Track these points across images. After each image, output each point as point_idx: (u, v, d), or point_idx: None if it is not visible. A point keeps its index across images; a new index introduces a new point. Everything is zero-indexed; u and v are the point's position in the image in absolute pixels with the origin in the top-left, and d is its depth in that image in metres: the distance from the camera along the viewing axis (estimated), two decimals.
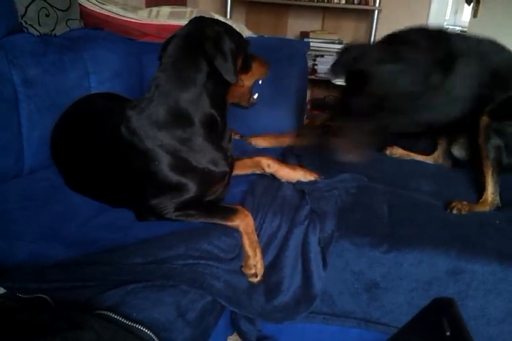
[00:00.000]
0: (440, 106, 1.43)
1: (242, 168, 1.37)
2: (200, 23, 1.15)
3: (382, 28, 3.11)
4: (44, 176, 1.33)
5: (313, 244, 1.18)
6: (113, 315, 0.78)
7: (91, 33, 1.72)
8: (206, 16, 1.23)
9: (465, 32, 2.92)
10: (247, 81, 1.25)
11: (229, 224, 1.10)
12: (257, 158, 1.38)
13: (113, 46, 1.72)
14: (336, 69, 1.45)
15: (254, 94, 1.34)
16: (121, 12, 1.92)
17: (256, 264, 1.11)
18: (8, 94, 1.31)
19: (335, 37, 3.21)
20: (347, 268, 1.19)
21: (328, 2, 3.10)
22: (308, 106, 3.40)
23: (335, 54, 1.63)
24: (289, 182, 1.36)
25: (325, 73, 3.14)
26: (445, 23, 3.52)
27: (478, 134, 1.40)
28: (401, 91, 1.34)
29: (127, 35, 1.90)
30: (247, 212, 1.13)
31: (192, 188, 1.12)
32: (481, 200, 1.37)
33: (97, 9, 1.86)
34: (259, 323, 1.20)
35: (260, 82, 1.32)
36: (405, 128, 1.52)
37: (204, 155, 1.13)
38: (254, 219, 1.16)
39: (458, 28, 3.52)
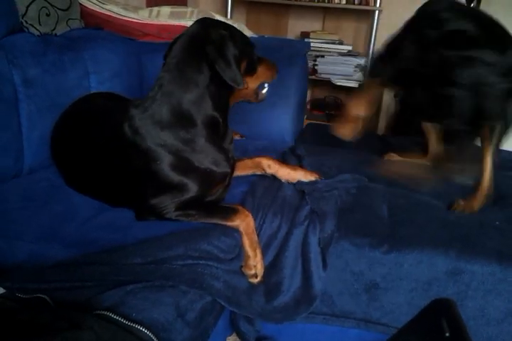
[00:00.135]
0: None
1: (243, 169, 1.37)
2: (205, 25, 1.14)
3: (382, 28, 3.10)
4: (44, 176, 1.33)
5: (313, 244, 1.18)
6: (112, 315, 0.78)
7: (91, 32, 1.72)
8: (212, 17, 1.23)
9: None
10: (251, 83, 1.24)
11: (229, 224, 1.10)
12: (258, 159, 1.38)
13: (113, 46, 1.72)
14: None
15: (263, 89, 1.32)
16: (122, 12, 1.92)
17: (256, 265, 1.11)
18: (8, 94, 1.31)
19: (335, 37, 3.20)
20: (347, 268, 1.19)
21: (328, 2, 3.09)
22: (308, 107, 3.40)
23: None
24: (289, 183, 1.37)
25: (326, 73, 3.14)
26: None
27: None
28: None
29: (128, 35, 1.90)
30: (247, 212, 1.13)
31: (193, 188, 1.12)
32: (479, 187, 1.35)
33: (97, 9, 1.86)
34: (258, 324, 1.20)
35: (266, 85, 1.30)
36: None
37: (206, 156, 1.13)
38: (255, 220, 1.16)
39: None
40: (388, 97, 3.39)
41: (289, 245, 1.19)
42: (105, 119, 1.24)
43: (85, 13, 1.80)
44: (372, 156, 1.75)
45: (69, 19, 1.64)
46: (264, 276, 1.13)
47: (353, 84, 3.14)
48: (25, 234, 1.04)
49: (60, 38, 1.57)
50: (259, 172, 1.39)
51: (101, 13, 1.86)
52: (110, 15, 1.89)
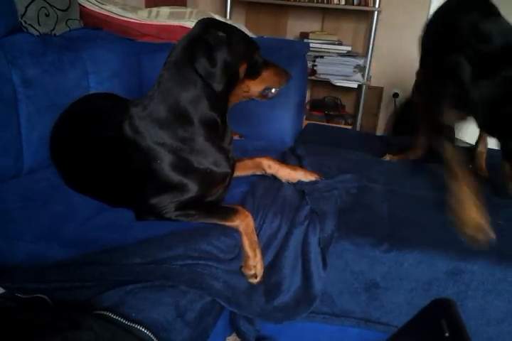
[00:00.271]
0: None
1: (243, 169, 1.37)
2: (204, 25, 1.13)
3: (381, 29, 3.11)
4: (43, 176, 1.33)
5: (313, 244, 1.18)
6: (112, 315, 0.78)
7: (90, 33, 1.72)
8: (215, 18, 1.22)
9: None
10: (254, 87, 1.21)
11: (229, 224, 1.10)
12: (258, 159, 1.38)
13: (112, 46, 1.72)
14: None
15: (271, 91, 1.27)
16: (121, 12, 1.92)
17: (256, 265, 1.11)
18: (8, 94, 1.31)
19: (334, 38, 3.20)
20: (347, 268, 1.19)
21: (327, 3, 3.10)
22: (308, 107, 3.40)
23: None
24: (289, 183, 1.37)
25: (325, 74, 3.14)
26: None
27: None
28: None
29: (127, 35, 1.90)
30: (247, 212, 1.13)
31: (193, 188, 1.12)
32: None
33: (96, 9, 1.86)
34: (258, 323, 1.20)
35: (274, 90, 1.25)
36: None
37: (205, 156, 1.13)
38: (254, 220, 1.16)
39: None
40: (388, 97, 3.40)
41: (289, 245, 1.19)
42: (104, 119, 1.24)
43: (84, 14, 1.80)
44: (372, 156, 1.75)
45: (68, 19, 1.64)
46: (263, 276, 1.13)
47: (352, 85, 3.14)
48: (25, 234, 1.04)
49: (59, 38, 1.57)
50: (259, 173, 1.39)
51: (100, 13, 1.86)
52: (109, 16, 1.89)
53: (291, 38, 3.36)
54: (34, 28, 1.46)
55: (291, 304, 1.16)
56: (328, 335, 1.30)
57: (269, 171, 1.38)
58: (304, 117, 2.80)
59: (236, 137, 1.66)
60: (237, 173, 1.33)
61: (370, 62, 3.17)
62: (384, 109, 3.45)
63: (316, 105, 3.45)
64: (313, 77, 3.15)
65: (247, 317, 1.16)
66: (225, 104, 1.18)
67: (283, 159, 1.53)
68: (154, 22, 1.96)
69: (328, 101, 3.47)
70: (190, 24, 1.93)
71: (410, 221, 1.25)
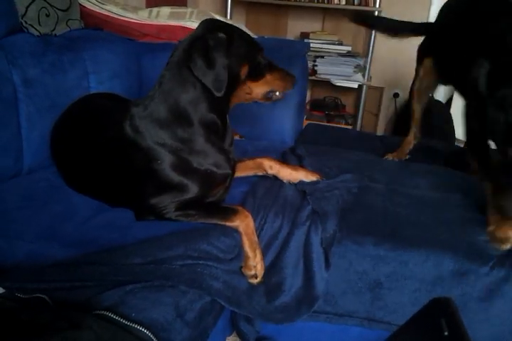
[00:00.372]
0: None
1: (244, 170, 1.37)
2: (206, 26, 1.13)
3: None
4: (43, 176, 1.33)
5: (315, 244, 1.18)
6: (112, 315, 0.78)
7: (91, 33, 1.72)
8: (219, 19, 1.21)
9: None
10: (257, 89, 1.19)
11: (229, 224, 1.10)
12: (259, 160, 1.38)
13: (112, 46, 1.72)
14: None
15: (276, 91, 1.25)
16: (122, 12, 1.92)
17: (256, 265, 1.10)
18: (8, 94, 1.31)
19: (335, 38, 3.21)
20: (350, 268, 1.19)
21: (328, 3, 3.10)
22: (308, 107, 3.40)
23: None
24: (290, 183, 1.37)
25: (325, 74, 3.14)
26: None
27: None
28: None
29: (127, 35, 1.90)
30: (247, 212, 1.13)
31: (193, 189, 1.12)
32: None
33: (97, 9, 1.86)
34: (258, 324, 1.20)
35: (278, 93, 1.24)
36: None
37: (206, 157, 1.13)
38: (255, 220, 1.16)
39: None
40: (388, 97, 3.40)
41: (290, 245, 1.19)
42: (105, 119, 1.25)
43: (85, 14, 1.80)
44: (373, 156, 1.75)
45: (69, 19, 1.64)
46: (264, 277, 1.13)
47: (353, 85, 3.14)
48: (25, 233, 1.05)
49: (60, 38, 1.57)
50: (260, 173, 1.39)
51: (100, 13, 1.87)
52: (109, 16, 1.89)
53: (292, 38, 3.36)
54: (34, 28, 1.46)
55: (292, 304, 1.15)
56: (329, 335, 1.30)
57: (271, 172, 1.37)
58: (305, 117, 2.80)
59: (236, 137, 1.66)
60: (238, 174, 1.32)
61: (371, 62, 3.17)
62: (384, 109, 3.45)
63: (317, 105, 3.45)
64: (313, 77, 3.15)
65: (248, 318, 1.16)
66: (225, 105, 1.18)
67: (283, 159, 1.53)
68: (155, 22, 1.96)
69: (329, 102, 3.47)
70: (191, 24, 1.93)
71: (413, 220, 1.25)
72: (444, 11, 1.63)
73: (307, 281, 1.18)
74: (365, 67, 3.16)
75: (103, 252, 0.97)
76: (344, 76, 3.12)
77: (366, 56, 3.16)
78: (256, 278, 1.11)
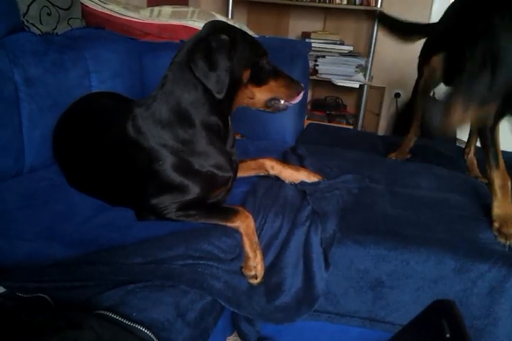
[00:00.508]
0: None
1: (246, 170, 1.37)
2: (210, 27, 1.13)
3: None
4: (44, 175, 1.33)
5: (315, 244, 1.18)
6: (113, 315, 0.78)
7: (92, 32, 1.72)
8: (213, 17, 1.20)
9: None
10: (259, 94, 1.17)
11: (229, 225, 1.10)
12: (261, 160, 1.38)
13: (114, 45, 1.72)
14: None
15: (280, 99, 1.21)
16: (123, 11, 1.92)
17: (256, 266, 1.10)
18: (9, 93, 1.31)
19: (336, 37, 3.20)
20: (352, 266, 1.19)
21: (329, 3, 3.10)
22: (309, 107, 3.40)
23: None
24: (292, 184, 1.36)
25: (326, 74, 3.14)
26: None
27: None
28: None
29: (128, 34, 1.90)
30: (247, 213, 1.12)
31: (194, 190, 1.12)
32: None
33: (98, 8, 1.86)
34: (258, 324, 1.20)
35: (282, 102, 1.20)
36: None
37: (207, 158, 1.13)
38: (255, 220, 1.15)
39: None
40: (390, 97, 3.40)
41: (290, 245, 1.19)
42: (108, 118, 1.24)
43: (86, 13, 1.80)
44: (374, 156, 1.75)
45: (70, 18, 1.64)
46: (264, 277, 1.13)
47: (354, 85, 3.14)
48: (26, 233, 1.04)
49: (61, 37, 1.57)
50: (262, 174, 1.39)
51: (102, 12, 1.87)
52: (111, 15, 1.89)
53: (293, 38, 3.36)
54: (36, 27, 1.46)
55: (292, 305, 1.15)
56: (329, 335, 1.30)
57: (272, 172, 1.37)
58: (306, 117, 2.80)
59: (238, 137, 1.66)
60: (240, 174, 1.32)
61: (372, 62, 3.17)
62: (386, 109, 3.45)
63: (318, 105, 3.45)
64: (314, 77, 3.15)
65: (248, 318, 1.16)
66: (227, 108, 1.17)
67: (284, 159, 1.53)
68: (156, 21, 1.96)
69: (330, 101, 3.47)
70: (192, 23, 1.94)
71: (413, 220, 1.25)
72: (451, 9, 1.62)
73: (307, 281, 1.17)
74: (366, 67, 3.16)
75: (103, 252, 0.97)
76: (345, 76, 3.12)
77: (367, 56, 3.16)
78: (256, 278, 1.11)
